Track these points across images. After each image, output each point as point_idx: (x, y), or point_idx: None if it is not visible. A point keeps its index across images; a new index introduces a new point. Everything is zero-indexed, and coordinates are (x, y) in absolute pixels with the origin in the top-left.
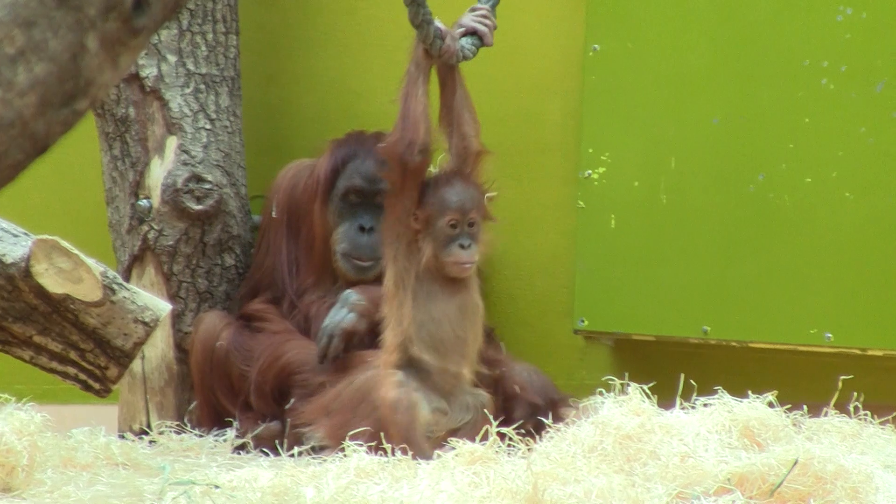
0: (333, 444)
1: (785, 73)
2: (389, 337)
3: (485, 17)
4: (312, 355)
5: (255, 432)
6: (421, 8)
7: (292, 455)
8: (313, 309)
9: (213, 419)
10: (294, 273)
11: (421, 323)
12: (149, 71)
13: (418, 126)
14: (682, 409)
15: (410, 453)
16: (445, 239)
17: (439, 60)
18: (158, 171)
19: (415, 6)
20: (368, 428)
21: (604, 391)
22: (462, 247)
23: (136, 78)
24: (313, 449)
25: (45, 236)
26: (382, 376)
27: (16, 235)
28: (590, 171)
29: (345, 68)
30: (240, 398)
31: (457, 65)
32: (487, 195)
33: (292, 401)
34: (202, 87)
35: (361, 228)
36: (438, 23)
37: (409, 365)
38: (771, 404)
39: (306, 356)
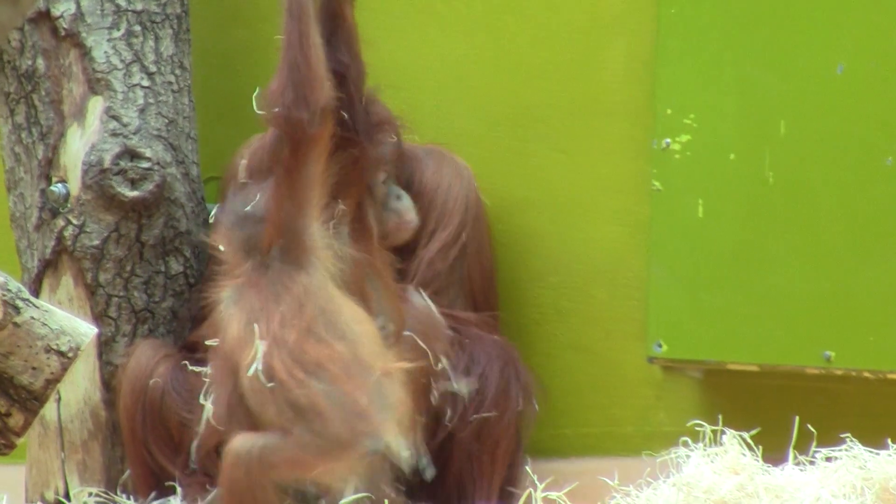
0: None
1: None
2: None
3: None
4: None
5: (206, 501)
6: None
7: None
8: None
9: (150, 483)
10: None
11: None
12: (63, 7)
13: (318, 77)
14: (797, 464)
15: None
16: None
17: None
18: (78, 145)
19: None
20: None
21: (689, 440)
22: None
23: (45, 17)
24: None
25: None
26: None
27: None
28: (668, 141)
29: None
30: (182, 455)
31: None
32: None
33: None
34: (137, 28)
35: None
36: None
37: None
38: None
39: None
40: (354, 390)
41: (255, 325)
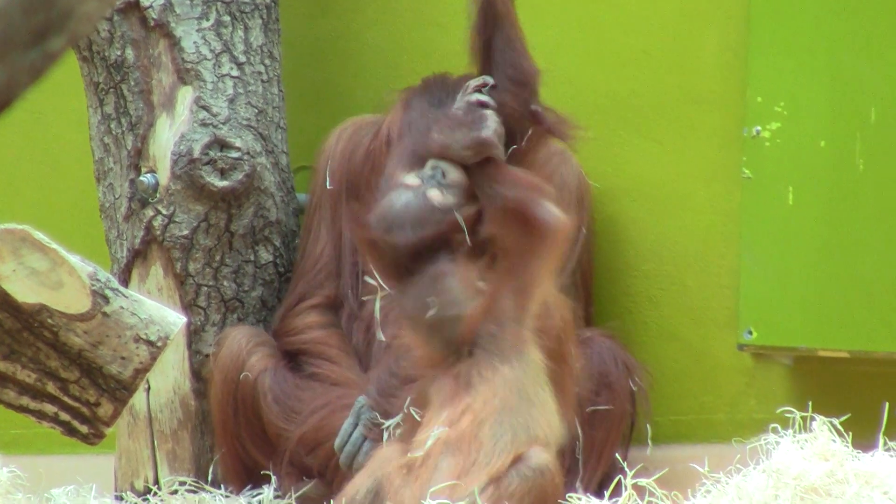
0: None
1: None
2: None
3: None
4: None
5: (301, 491)
6: None
7: None
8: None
9: (242, 473)
10: (354, 268)
11: None
12: None
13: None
14: (887, 450)
15: None
16: None
17: None
18: (167, 135)
19: None
20: None
21: (779, 427)
22: None
23: (134, 7)
24: None
25: (10, 225)
26: None
27: None
28: (759, 129)
29: None
30: (278, 451)
31: None
32: None
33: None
34: (226, 18)
35: None
36: None
37: None
38: None
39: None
40: None
41: (444, 412)
